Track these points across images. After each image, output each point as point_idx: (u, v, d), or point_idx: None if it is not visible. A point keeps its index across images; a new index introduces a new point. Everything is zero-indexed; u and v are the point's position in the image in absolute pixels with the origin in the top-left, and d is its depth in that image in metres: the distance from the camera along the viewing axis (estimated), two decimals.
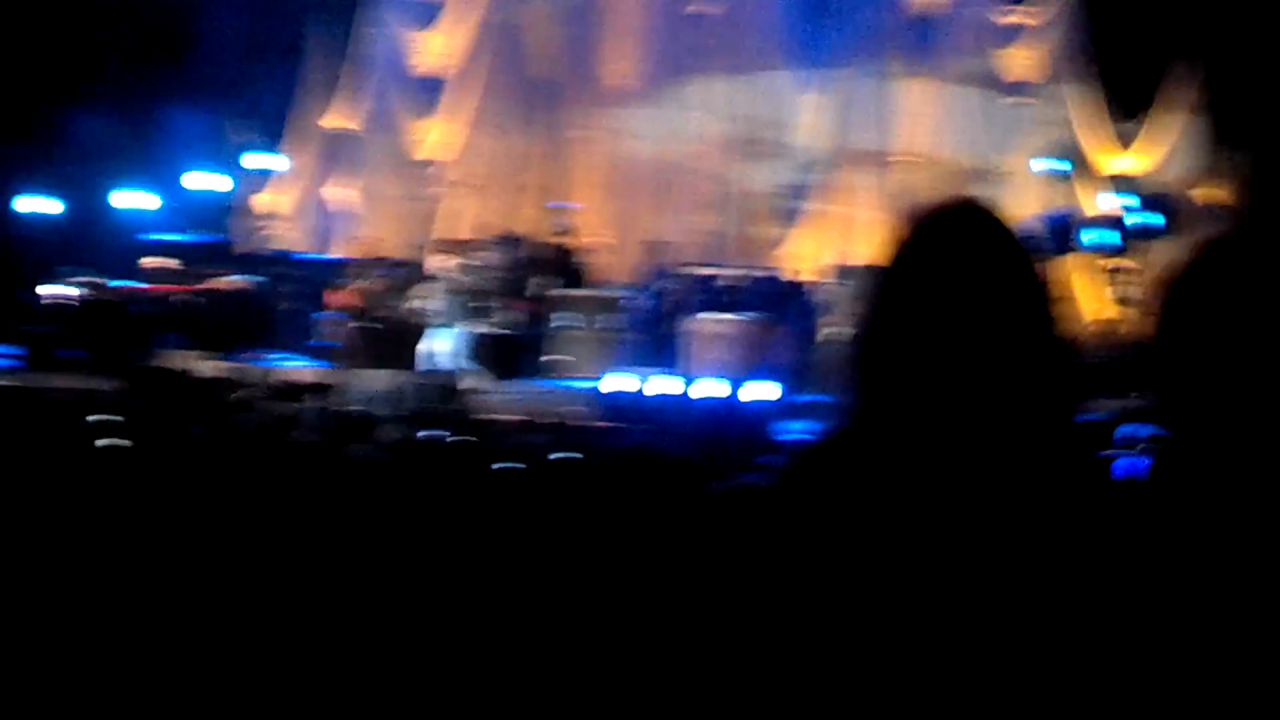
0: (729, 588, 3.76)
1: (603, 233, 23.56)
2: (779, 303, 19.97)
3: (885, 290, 2.67)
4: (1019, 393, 2.58)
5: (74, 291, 23.25)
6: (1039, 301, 2.61)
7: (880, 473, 2.58)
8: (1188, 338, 2.64)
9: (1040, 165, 21.94)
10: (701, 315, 19.66)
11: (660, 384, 17.77)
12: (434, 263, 21.16)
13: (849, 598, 2.59)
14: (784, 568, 2.66)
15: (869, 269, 2.72)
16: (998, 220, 2.67)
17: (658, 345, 20.28)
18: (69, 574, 9.03)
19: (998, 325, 2.59)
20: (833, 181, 22.44)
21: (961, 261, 2.62)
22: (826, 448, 2.71)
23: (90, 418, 15.04)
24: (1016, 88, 22.69)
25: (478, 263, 21.74)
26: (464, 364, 20.38)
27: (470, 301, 20.98)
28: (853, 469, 2.61)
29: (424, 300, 21.01)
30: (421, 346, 20.48)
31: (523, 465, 13.20)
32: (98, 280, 23.30)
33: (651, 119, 23.70)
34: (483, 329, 21.01)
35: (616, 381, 17.83)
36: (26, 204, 25.07)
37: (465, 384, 19.01)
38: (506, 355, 21.34)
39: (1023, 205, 20.83)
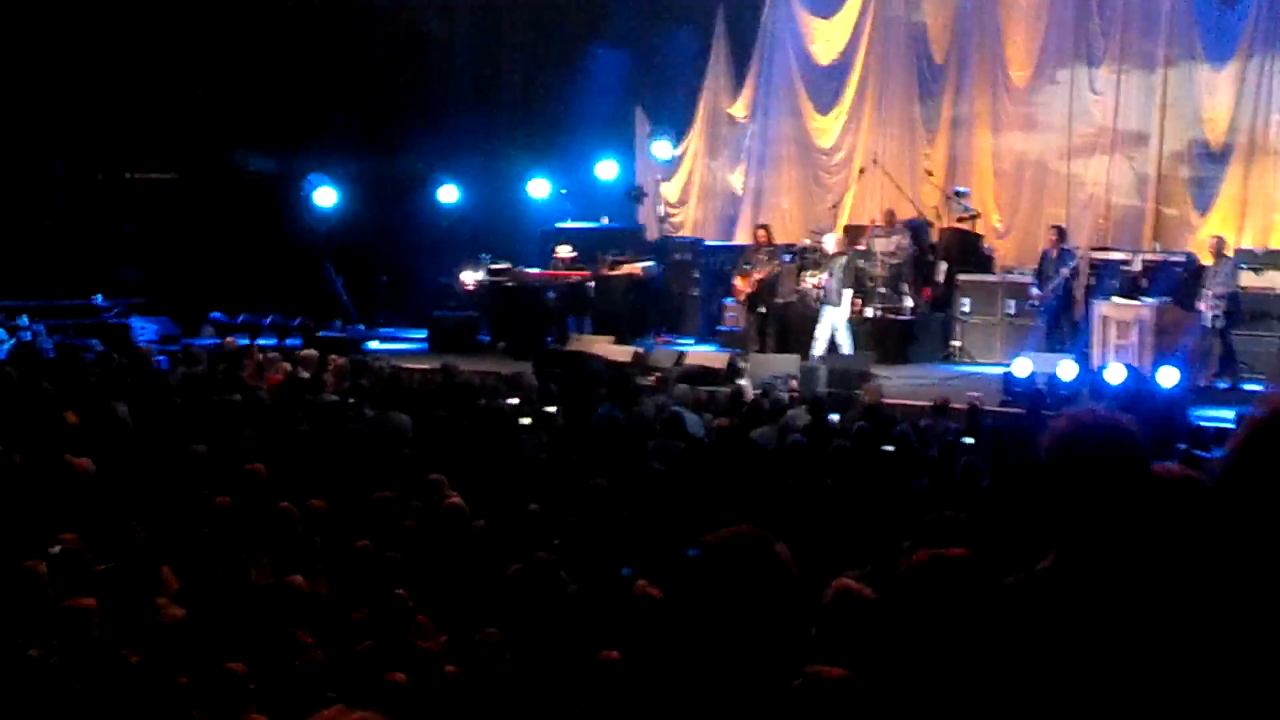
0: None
1: (1007, 218, 23.27)
2: (1191, 288, 19.39)
3: None
4: None
5: (489, 278, 24.03)
6: None
7: None
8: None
9: None
10: (1113, 299, 19.24)
11: (1071, 369, 17.43)
12: (827, 245, 21.16)
13: None
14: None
15: None
16: None
17: (1066, 330, 19.96)
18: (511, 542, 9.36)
19: None
20: (1248, 166, 21.65)
21: None
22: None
23: (509, 399, 15.60)
24: None
25: (885, 248, 21.70)
26: (848, 346, 20.36)
27: (865, 284, 20.97)
28: None
29: (815, 282, 21.05)
30: (818, 330, 20.53)
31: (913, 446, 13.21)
32: (511, 267, 24.02)
33: (1057, 105, 23.26)
34: (871, 312, 20.98)
35: (1026, 366, 17.55)
36: (445, 194, 25.98)
37: (873, 369, 18.97)
38: (897, 339, 21.29)
39: None
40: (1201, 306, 18.84)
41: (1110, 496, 3.73)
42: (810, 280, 21.12)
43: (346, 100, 25.55)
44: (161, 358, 19.58)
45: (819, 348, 20.32)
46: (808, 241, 22.71)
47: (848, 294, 20.46)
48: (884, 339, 21.23)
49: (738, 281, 22.01)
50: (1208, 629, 2.95)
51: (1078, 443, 3.81)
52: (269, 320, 23.68)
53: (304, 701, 5.97)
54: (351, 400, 15.47)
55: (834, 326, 20.49)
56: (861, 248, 21.61)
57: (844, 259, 20.65)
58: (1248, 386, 18.11)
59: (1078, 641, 3.64)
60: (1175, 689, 3.43)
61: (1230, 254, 19.52)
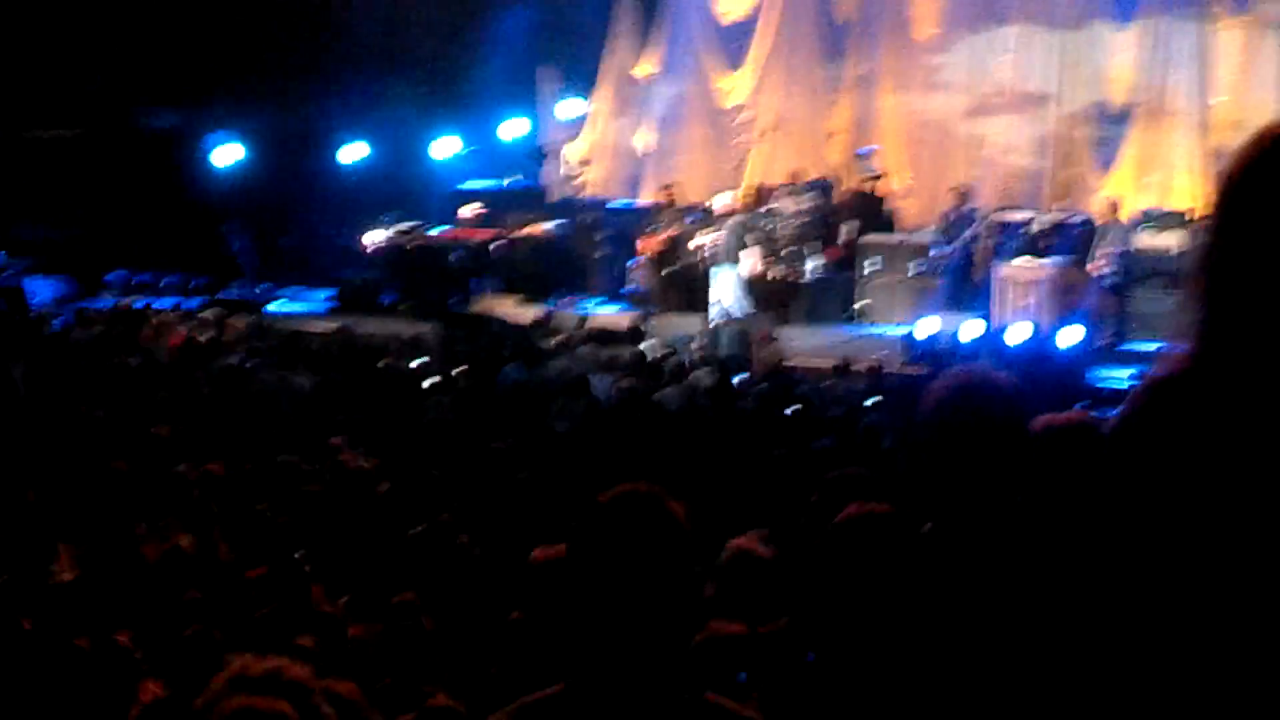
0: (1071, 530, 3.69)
1: (911, 178, 23.30)
2: (1089, 249, 19.55)
3: (1231, 218, 2.56)
4: None
5: (393, 238, 23.83)
6: None
7: (1236, 407, 2.48)
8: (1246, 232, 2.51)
9: None
10: (1014, 260, 19.36)
11: (972, 329, 17.54)
12: (716, 205, 21.10)
13: (1212, 546, 2.49)
14: (1140, 510, 2.57)
15: (1219, 199, 2.60)
16: None
17: (968, 291, 20.05)
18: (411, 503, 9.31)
19: None
20: (1148, 127, 21.82)
21: None
22: (1174, 383, 2.61)
23: (413, 361, 15.52)
24: None
25: (790, 209, 21.67)
26: (741, 307, 20.25)
27: (769, 245, 20.85)
28: (1206, 404, 2.51)
29: (704, 243, 20.95)
30: (712, 292, 20.39)
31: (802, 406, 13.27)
32: (415, 227, 23.84)
33: (961, 65, 23.34)
34: (774, 273, 20.90)
35: (928, 327, 17.65)
36: (347, 153, 25.70)
37: (775, 330, 18.94)
38: (800, 300, 21.27)
39: None
40: (1095, 267, 19.01)
41: (987, 456, 3.72)
42: (700, 240, 21.00)
43: (248, 57, 25.19)
44: (58, 319, 19.32)
45: (715, 310, 20.21)
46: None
47: (745, 254, 20.30)
48: (787, 300, 21.21)
49: (642, 242, 21.96)
50: (1092, 584, 2.94)
51: (955, 402, 3.80)
52: (168, 281, 23.42)
53: (201, 668, 5.89)
54: (251, 363, 15.34)
55: (726, 287, 20.33)
56: (763, 209, 21.58)
57: (734, 220, 20.54)
58: (1144, 347, 18.25)
59: (953, 605, 3.65)
60: (1055, 645, 3.45)
61: (1124, 215, 19.70)
